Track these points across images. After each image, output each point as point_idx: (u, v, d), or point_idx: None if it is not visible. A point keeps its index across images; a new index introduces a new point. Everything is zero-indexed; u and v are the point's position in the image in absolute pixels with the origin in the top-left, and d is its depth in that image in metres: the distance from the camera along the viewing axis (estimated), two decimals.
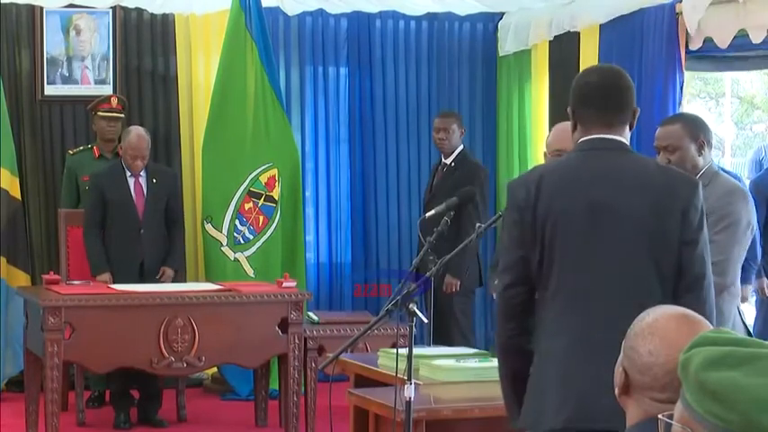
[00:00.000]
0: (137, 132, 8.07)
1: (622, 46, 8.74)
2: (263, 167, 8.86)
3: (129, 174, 8.00)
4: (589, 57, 9.00)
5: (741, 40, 7.67)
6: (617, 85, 3.80)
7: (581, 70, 4.83)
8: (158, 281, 7.95)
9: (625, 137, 3.79)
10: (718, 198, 4.83)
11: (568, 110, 3.85)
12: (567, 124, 5.60)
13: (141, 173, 8.03)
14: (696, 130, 4.93)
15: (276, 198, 8.89)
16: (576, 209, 3.66)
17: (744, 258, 5.11)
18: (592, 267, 3.65)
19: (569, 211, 3.66)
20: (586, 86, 3.81)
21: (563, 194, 3.69)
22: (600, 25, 8.94)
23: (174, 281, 8.09)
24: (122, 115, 8.66)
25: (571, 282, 3.65)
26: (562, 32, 9.29)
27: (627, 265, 3.64)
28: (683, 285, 3.66)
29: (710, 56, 8.39)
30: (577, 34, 9.14)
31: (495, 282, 4.38)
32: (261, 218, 8.86)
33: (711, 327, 2.50)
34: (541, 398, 3.59)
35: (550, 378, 3.59)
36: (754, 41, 7.65)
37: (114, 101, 8.68)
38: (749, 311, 9.15)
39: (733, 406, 1.76)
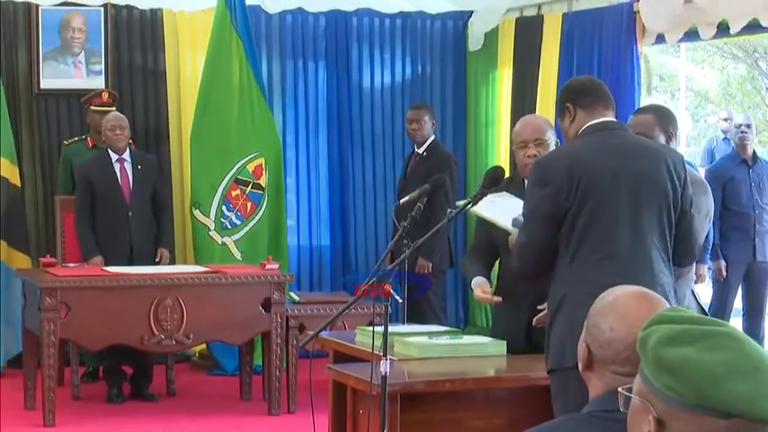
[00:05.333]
0: (113, 113, 8.22)
1: (583, 38, 8.75)
2: (250, 156, 8.81)
3: (114, 159, 7.99)
4: (551, 49, 9.00)
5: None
6: (603, 84, 4.41)
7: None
8: (157, 263, 7.97)
9: None
10: None
11: (568, 104, 4.28)
12: (534, 117, 5.65)
13: (126, 158, 8.01)
14: (666, 122, 4.93)
15: (263, 185, 8.85)
16: (607, 176, 4.10)
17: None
18: (621, 225, 4.09)
19: (602, 179, 4.09)
20: (583, 84, 4.38)
21: (595, 166, 4.10)
22: (561, 21, 8.94)
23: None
24: (113, 108, 8.60)
25: (602, 238, 4.07)
26: (526, 23, 9.31)
27: (648, 224, 4.12)
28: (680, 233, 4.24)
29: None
30: (540, 31, 9.14)
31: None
32: (249, 204, 8.82)
33: (668, 305, 2.51)
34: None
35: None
36: (702, 38, 7.72)
37: (105, 95, 8.67)
38: (706, 291, 9.17)
39: (687, 380, 1.77)
